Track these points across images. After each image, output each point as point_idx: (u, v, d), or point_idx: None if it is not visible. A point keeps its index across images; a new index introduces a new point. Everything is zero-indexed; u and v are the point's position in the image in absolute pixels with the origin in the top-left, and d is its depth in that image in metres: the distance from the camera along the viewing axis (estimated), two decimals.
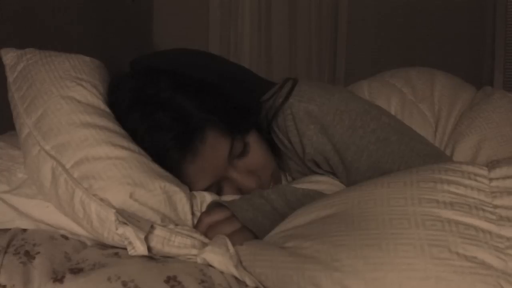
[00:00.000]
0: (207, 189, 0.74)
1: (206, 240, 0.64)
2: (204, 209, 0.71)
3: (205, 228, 0.67)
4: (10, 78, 0.76)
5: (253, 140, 0.77)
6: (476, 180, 0.55)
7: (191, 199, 0.70)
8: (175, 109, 0.71)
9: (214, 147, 0.72)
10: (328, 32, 2.50)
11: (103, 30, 1.86)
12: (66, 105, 0.69)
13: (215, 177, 0.74)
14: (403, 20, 2.50)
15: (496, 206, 0.52)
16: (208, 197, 0.72)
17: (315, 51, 2.48)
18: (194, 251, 0.61)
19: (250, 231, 0.66)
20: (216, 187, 0.75)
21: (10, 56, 0.79)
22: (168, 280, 0.54)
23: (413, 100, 0.91)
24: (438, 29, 2.46)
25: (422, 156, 0.74)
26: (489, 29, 2.48)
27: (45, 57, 0.77)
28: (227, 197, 0.74)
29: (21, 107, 0.72)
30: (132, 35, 2.11)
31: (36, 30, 1.46)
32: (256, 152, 0.77)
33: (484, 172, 0.56)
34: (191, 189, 0.71)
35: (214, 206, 0.70)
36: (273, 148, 0.83)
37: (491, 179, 0.55)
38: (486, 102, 0.89)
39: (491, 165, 0.57)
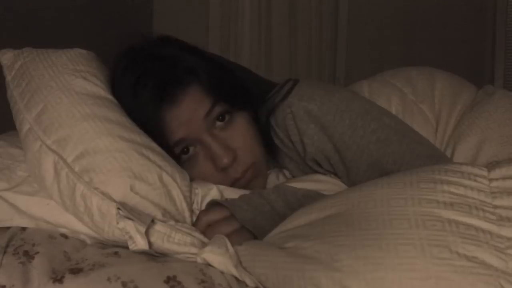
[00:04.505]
0: (182, 148, 0.74)
1: (205, 240, 0.64)
2: (204, 206, 0.71)
3: (203, 227, 0.67)
4: (9, 77, 0.77)
5: (242, 121, 0.77)
6: (475, 181, 0.55)
7: (190, 196, 0.70)
8: (169, 59, 0.74)
9: (194, 101, 0.72)
10: (328, 32, 2.50)
11: (103, 30, 1.86)
12: (66, 98, 0.70)
13: (189, 133, 0.73)
14: (403, 20, 2.50)
15: (496, 207, 0.52)
16: (210, 194, 0.72)
17: (315, 51, 2.48)
18: (194, 250, 0.61)
19: (249, 231, 0.66)
20: (191, 153, 0.75)
21: (7, 56, 0.79)
22: (168, 280, 0.54)
23: (413, 100, 0.90)
24: (438, 30, 2.46)
25: (422, 157, 0.74)
26: (489, 29, 2.49)
27: (42, 54, 0.77)
28: (228, 194, 0.74)
29: (21, 103, 0.72)
30: (132, 35, 2.11)
31: (36, 30, 1.46)
32: (241, 132, 0.76)
33: (483, 172, 0.56)
34: (168, 142, 0.72)
35: (213, 205, 0.70)
36: (270, 146, 0.82)
37: (491, 180, 0.55)
38: (487, 102, 0.88)
39: (491, 165, 0.57)
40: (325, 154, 0.77)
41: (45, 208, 0.67)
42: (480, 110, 0.86)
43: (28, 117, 0.70)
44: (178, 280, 0.54)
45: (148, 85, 0.72)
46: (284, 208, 0.69)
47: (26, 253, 0.59)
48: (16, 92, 0.74)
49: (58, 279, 0.54)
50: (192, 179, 0.73)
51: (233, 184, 0.76)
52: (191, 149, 0.75)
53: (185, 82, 0.72)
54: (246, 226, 0.66)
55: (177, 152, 0.74)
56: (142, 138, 0.70)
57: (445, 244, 0.49)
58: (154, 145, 0.71)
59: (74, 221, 0.66)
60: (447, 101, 0.91)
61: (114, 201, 0.62)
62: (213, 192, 0.73)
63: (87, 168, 0.64)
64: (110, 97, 0.74)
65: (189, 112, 0.72)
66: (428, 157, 0.75)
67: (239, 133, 0.76)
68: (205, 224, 0.67)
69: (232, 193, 0.74)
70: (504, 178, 0.55)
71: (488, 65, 2.50)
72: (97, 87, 0.73)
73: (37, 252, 0.59)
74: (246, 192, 0.74)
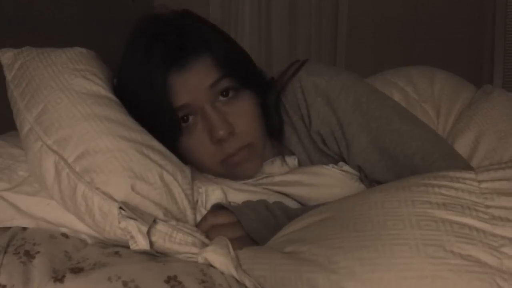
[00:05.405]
0: (183, 115, 0.74)
1: (206, 241, 0.64)
2: (208, 205, 0.71)
3: (208, 228, 0.67)
4: (9, 77, 0.77)
5: (246, 99, 0.77)
6: (465, 183, 0.55)
7: (192, 194, 0.70)
8: (185, 28, 0.75)
9: (202, 70, 0.73)
10: (328, 32, 2.50)
11: (103, 30, 1.86)
12: (66, 98, 0.70)
13: (193, 100, 0.73)
14: (403, 20, 2.50)
15: (488, 206, 0.53)
16: (214, 194, 0.72)
17: (315, 51, 2.47)
18: (195, 250, 0.61)
19: (252, 240, 0.66)
20: (191, 121, 0.75)
21: (7, 55, 0.79)
22: (168, 280, 0.54)
23: (416, 99, 0.91)
24: (438, 30, 2.46)
25: (421, 140, 0.74)
26: (488, 30, 2.48)
27: (41, 53, 0.77)
28: (232, 196, 0.74)
29: (21, 103, 0.72)
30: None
31: (35, 30, 1.46)
32: (243, 110, 0.77)
33: (471, 175, 0.57)
34: (171, 106, 0.72)
35: (219, 208, 0.70)
36: (276, 129, 0.83)
37: (480, 181, 0.56)
38: (485, 100, 0.89)
39: (478, 169, 0.58)
40: (329, 128, 0.78)
41: (46, 208, 0.67)
42: (477, 108, 0.88)
43: (29, 117, 0.70)
44: (179, 280, 0.54)
45: (161, 47, 0.73)
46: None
47: (27, 252, 0.59)
48: (17, 92, 0.74)
49: (59, 279, 0.54)
50: (188, 151, 0.75)
51: (225, 160, 0.76)
52: (191, 118, 0.75)
53: (197, 50, 0.74)
54: (251, 235, 0.66)
55: (180, 117, 0.74)
56: (143, 136, 0.70)
57: (440, 243, 0.49)
58: (154, 143, 0.71)
59: (75, 220, 0.66)
60: (446, 100, 0.91)
61: (116, 201, 0.62)
62: (217, 192, 0.73)
63: (88, 168, 0.64)
64: (111, 95, 0.74)
65: (196, 79, 0.73)
66: (427, 139, 0.75)
67: (241, 111, 0.77)
68: (211, 225, 0.68)
69: (236, 196, 0.74)
70: (493, 180, 0.56)
71: (487, 65, 2.50)
72: (97, 86, 0.73)
73: (38, 252, 0.60)
74: (249, 188, 0.75)
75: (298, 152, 0.84)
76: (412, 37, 2.48)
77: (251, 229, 0.67)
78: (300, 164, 0.84)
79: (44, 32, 1.50)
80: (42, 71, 0.74)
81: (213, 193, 0.72)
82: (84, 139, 0.66)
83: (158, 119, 0.73)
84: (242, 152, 0.76)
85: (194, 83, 0.73)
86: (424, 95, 0.91)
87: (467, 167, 0.73)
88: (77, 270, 0.55)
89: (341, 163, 0.80)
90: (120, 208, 0.61)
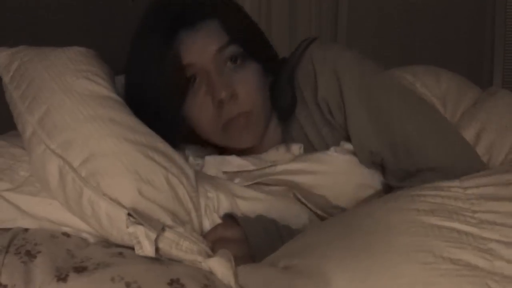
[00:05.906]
0: (190, 75, 0.76)
1: (210, 252, 0.63)
2: (221, 211, 0.71)
3: (215, 239, 0.67)
4: (6, 78, 0.76)
5: (252, 69, 0.79)
6: (450, 191, 0.56)
7: (197, 196, 0.69)
8: None
9: (211, 33, 0.76)
10: (328, 32, 2.50)
11: (103, 30, 1.86)
12: (69, 100, 0.69)
13: (199, 61, 0.75)
14: (403, 20, 2.50)
15: (475, 211, 0.53)
16: (224, 200, 0.72)
17: None
18: (200, 258, 0.60)
19: (254, 261, 0.65)
20: (197, 83, 0.76)
21: (3, 55, 0.78)
22: (171, 282, 0.54)
23: (426, 93, 0.91)
24: (438, 29, 2.46)
25: (417, 120, 0.75)
26: (488, 29, 2.49)
27: (40, 53, 0.77)
28: (242, 204, 0.73)
29: (22, 106, 0.71)
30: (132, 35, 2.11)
31: (35, 30, 1.46)
32: (248, 78, 0.78)
33: (456, 183, 0.57)
34: (180, 62, 0.74)
35: (230, 220, 0.70)
36: (287, 107, 0.83)
37: (465, 188, 0.56)
38: (488, 99, 0.91)
39: (462, 178, 0.59)
40: (335, 100, 0.78)
41: (48, 207, 0.67)
42: (481, 107, 0.89)
43: (31, 120, 0.69)
44: (182, 283, 0.54)
45: (172, 10, 0.76)
46: None
47: (28, 252, 0.59)
48: (16, 94, 0.73)
49: (62, 278, 0.54)
50: (191, 118, 0.77)
51: (225, 126, 0.77)
52: (198, 79, 0.77)
53: (207, 14, 0.76)
54: (256, 253, 0.65)
55: (186, 76, 0.76)
56: (147, 138, 0.69)
57: (429, 248, 0.49)
58: (159, 145, 0.70)
59: (77, 219, 0.66)
60: (452, 100, 0.92)
61: (124, 206, 0.61)
62: (226, 198, 0.72)
63: (93, 172, 0.63)
64: (114, 95, 0.73)
65: (204, 41, 0.75)
66: (424, 119, 0.76)
67: (246, 79, 0.78)
68: (219, 237, 0.67)
69: (245, 204, 0.73)
70: (478, 186, 0.56)
71: (487, 65, 2.50)
72: (99, 87, 0.73)
73: (39, 252, 0.60)
74: (257, 196, 0.74)
75: (307, 126, 0.83)
76: (412, 37, 2.48)
77: (257, 246, 0.66)
78: (310, 139, 0.84)
79: (44, 32, 1.50)
80: (43, 73, 0.73)
81: (222, 198, 0.71)
82: (88, 142, 0.65)
83: (165, 79, 0.74)
84: (242, 117, 0.77)
85: (201, 45, 0.75)
86: (432, 92, 0.92)
87: (466, 151, 0.76)
88: (80, 269, 0.55)
89: (342, 142, 0.80)
90: (129, 214, 0.60)
